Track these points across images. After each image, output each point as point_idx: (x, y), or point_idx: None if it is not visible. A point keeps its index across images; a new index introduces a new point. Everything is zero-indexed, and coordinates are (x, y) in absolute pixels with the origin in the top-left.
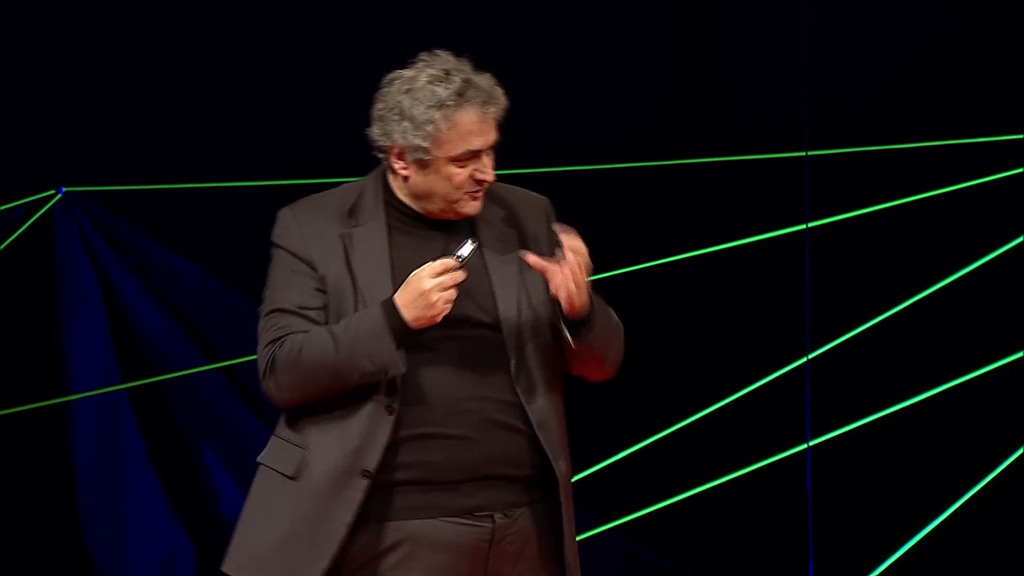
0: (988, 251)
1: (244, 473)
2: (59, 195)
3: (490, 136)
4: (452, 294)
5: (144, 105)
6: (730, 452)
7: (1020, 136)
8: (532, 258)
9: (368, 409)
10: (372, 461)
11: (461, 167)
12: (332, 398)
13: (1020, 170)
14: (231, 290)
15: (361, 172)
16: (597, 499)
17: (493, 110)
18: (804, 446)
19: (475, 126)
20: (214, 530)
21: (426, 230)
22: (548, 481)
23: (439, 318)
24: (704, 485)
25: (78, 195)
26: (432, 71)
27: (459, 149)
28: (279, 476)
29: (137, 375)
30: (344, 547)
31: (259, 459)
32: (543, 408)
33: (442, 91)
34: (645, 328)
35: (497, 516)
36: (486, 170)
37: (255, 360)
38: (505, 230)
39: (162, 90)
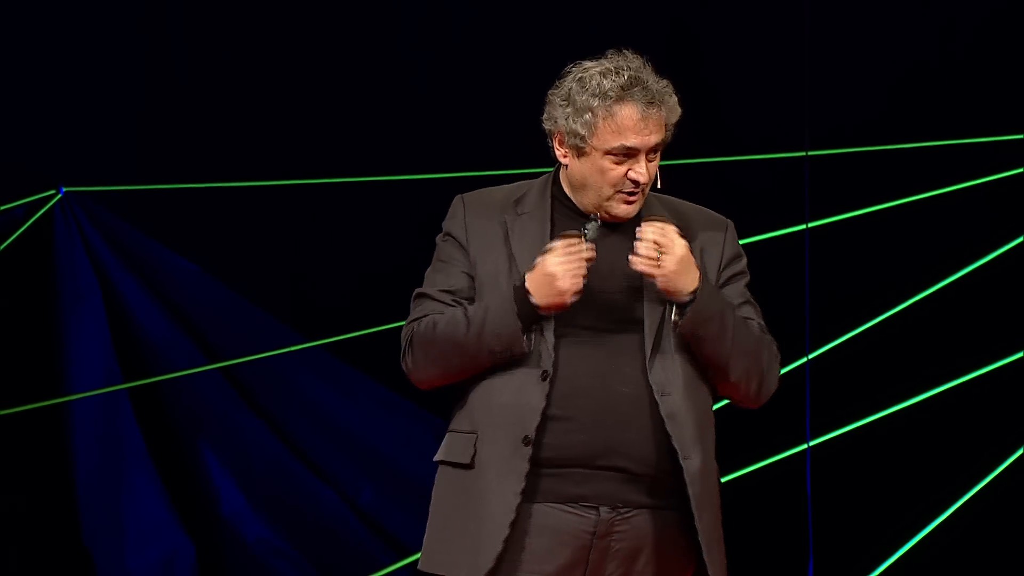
0: (988, 251)
1: (244, 473)
2: (59, 195)
3: (650, 138)
4: (580, 274)
5: (144, 105)
6: (730, 452)
7: (1020, 136)
8: (631, 258)
9: (523, 379)
10: (531, 426)
11: (616, 163)
12: (494, 381)
13: (1020, 170)
14: (231, 290)
15: (364, 172)
16: None
17: (656, 112)
18: (804, 446)
19: (632, 123)
20: (214, 530)
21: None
22: (679, 484)
23: (569, 299)
24: None
25: (78, 195)
26: (608, 65)
27: (613, 143)
28: (455, 469)
29: (137, 375)
30: (516, 519)
31: (436, 458)
32: (678, 401)
33: (608, 83)
34: None
35: (603, 509)
36: (642, 171)
37: (255, 360)
38: None
39: (162, 90)
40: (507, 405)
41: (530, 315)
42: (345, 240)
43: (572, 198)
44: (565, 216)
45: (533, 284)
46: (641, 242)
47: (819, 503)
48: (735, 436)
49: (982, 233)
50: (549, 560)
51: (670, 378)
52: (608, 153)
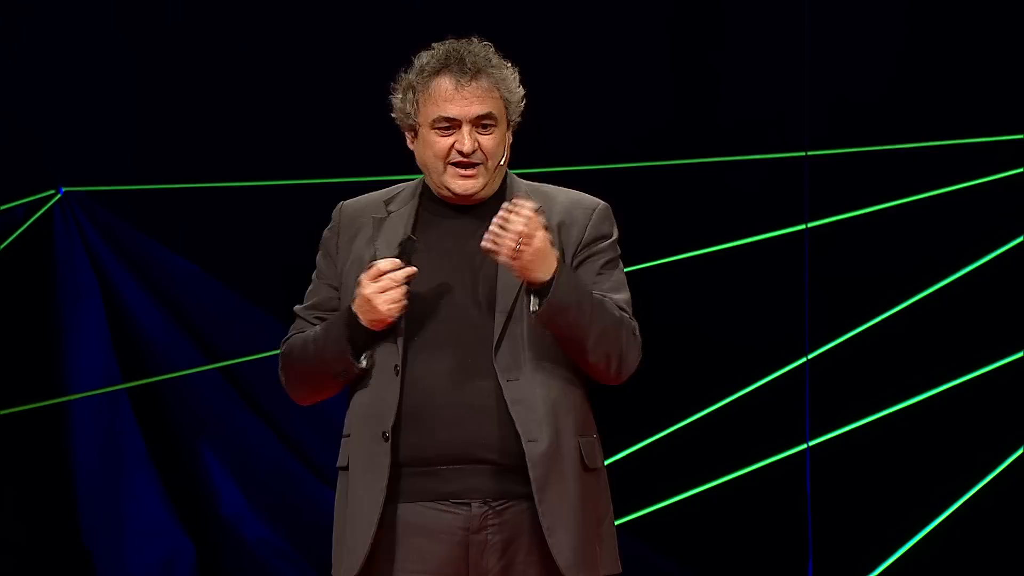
0: (988, 251)
1: (244, 473)
2: (59, 195)
3: (470, 108)
4: (398, 298)
5: (144, 105)
6: (730, 452)
7: (1020, 136)
8: (484, 242)
9: (380, 376)
10: (388, 422)
11: (441, 135)
12: (362, 382)
13: (1020, 170)
14: (231, 290)
15: (362, 172)
16: None
17: (474, 83)
18: (804, 446)
19: (448, 93)
20: (214, 530)
21: (452, 215)
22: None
23: (392, 318)
24: (704, 485)
25: (78, 195)
26: (435, 46)
27: (433, 114)
28: (341, 472)
29: (137, 375)
30: (381, 518)
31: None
32: (524, 386)
33: (425, 58)
34: (645, 328)
35: (475, 504)
36: (464, 141)
37: (255, 360)
38: None
39: (162, 90)
40: (367, 404)
41: (362, 336)
42: None
43: (435, 191)
44: (431, 210)
45: (358, 308)
46: (498, 226)
47: (819, 503)
48: (735, 436)
49: (982, 233)
50: (427, 559)
51: (516, 362)
52: (433, 127)
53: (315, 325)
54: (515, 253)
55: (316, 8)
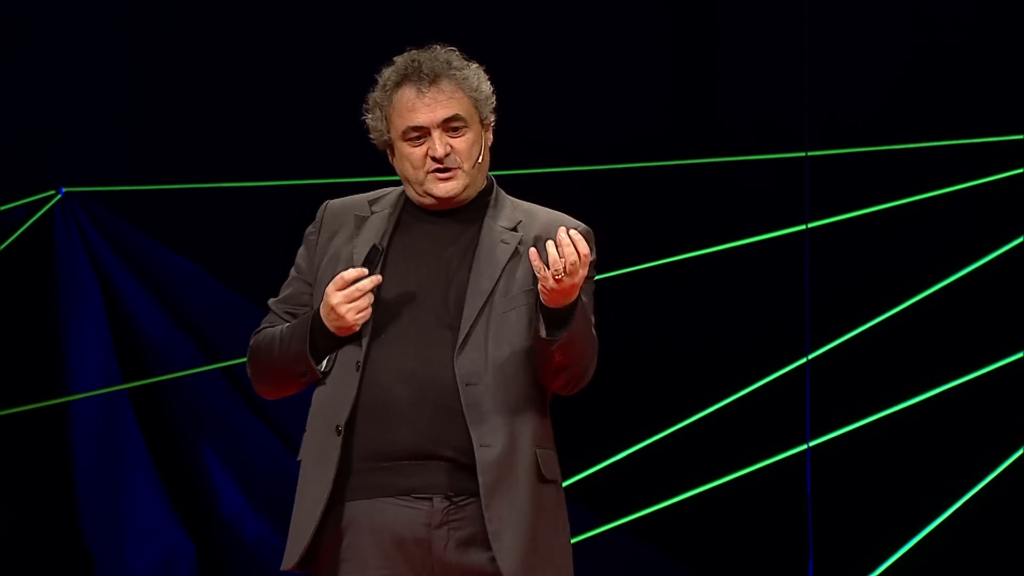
0: (988, 251)
1: (244, 473)
2: (59, 195)
3: (436, 113)
4: (363, 304)
5: (144, 106)
6: (730, 452)
7: (1020, 136)
8: (532, 251)
9: (341, 371)
10: (343, 416)
11: (414, 145)
12: (324, 378)
13: (1020, 170)
14: (231, 290)
15: (361, 172)
16: (597, 499)
17: (434, 88)
18: (804, 446)
19: (412, 103)
20: (214, 530)
21: (433, 219)
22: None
23: (357, 327)
24: (704, 485)
25: (78, 195)
26: (395, 60)
27: (401, 126)
28: (300, 465)
29: (137, 375)
30: (325, 511)
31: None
32: (482, 391)
33: (387, 73)
34: (645, 328)
35: (436, 499)
36: (436, 146)
37: None
38: (509, 232)
39: (162, 91)
40: (325, 397)
41: (326, 341)
42: None
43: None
44: (412, 214)
45: (324, 315)
46: (554, 248)
47: (819, 503)
48: (735, 436)
49: (982, 233)
50: (390, 555)
51: (477, 368)
52: (404, 139)
53: (284, 320)
54: (559, 281)
55: (316, 8)
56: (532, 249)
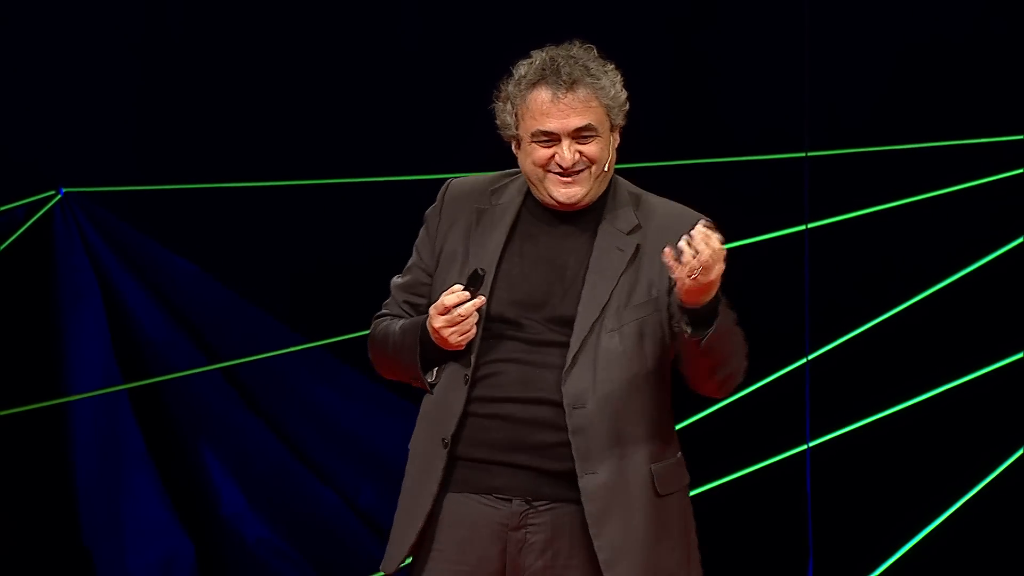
0: (988, 251)
1: (244, 473)
2: (59, 195)
3: (569, 120)
4: (466, 327)
5: (144, 105)
6: (730, 453)
7: (1020, 136)
8: (667, 250)
9: (451, 380)
10: (449, 429)
11: (543, 147)
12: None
13: (1020, 170)
14: (231, 290)
15: (364, 172)
16: None
17: (571, 95)
18: (804, 446)
19: (545, 106)
20: (214, 530)
21: (553, 222)
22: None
23: (463, 345)
24: (704, 485)
25: (78, 195)
26: (534, 54)
27: (532, 128)
28: (408, 464)
29: (137, 375)
30: (431, 517)
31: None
32: (590, 414)
33: (523, 70)
34: None
35: (516, 501)
36: (564, 155)
37: (255, 360)
38: (625, 237)
39: (162, 90)
40: (434, 405)
41: (434, 354)
42: (345, 240)
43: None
44: (533, 213)
45: (430, 332)
46: (687, 246)
47: (819, 503)
48: (735, 436)
49: (982, 233)
50: (466, 551)
51: (586, 389)
52: (533, 139)
53: (402, 309)
54: (694, 278)
55: (317, 8)
56: (666, 250)
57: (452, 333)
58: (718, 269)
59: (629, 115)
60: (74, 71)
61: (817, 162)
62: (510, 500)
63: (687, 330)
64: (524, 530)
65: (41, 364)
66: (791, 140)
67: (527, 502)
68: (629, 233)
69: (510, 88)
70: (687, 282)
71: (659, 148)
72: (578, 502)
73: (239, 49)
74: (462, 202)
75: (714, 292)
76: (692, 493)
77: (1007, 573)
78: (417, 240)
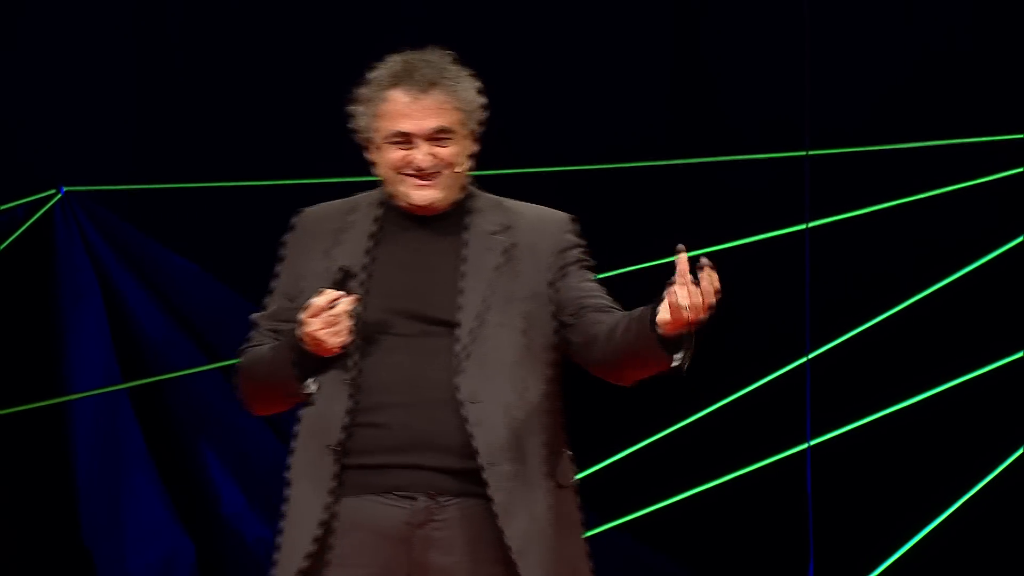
0: (988, 251)
1: (244, 473)
2: (59, 195)
3: (425, 123)
4: (340, 327)
5: (144, 105)
6: (730, 452)
7: (1020, 136)
8: (682, 257)
9: (332, 388)
10: (335, 436)
11: (398, 149)
12: (314, 396)
13: (1020, 170)
14: (231, 290)
15: (361, 172)
16: (597, 499)
17: (427, 97)
18: (804, 446)
19: (403, 107)
20: (214, 530)
21: (414, 227)
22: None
23: (338, 348)
24: (704, 485)
25: (78, 195)
26: (393, 58)
27: (387, 129)
28: (288, 481)
29: (137, 375)
30: (324, 527)
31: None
32: (488, 408)
33: (381, 72)
34: None
35: (420, 498)
36: (422, 156)
37: None
38: (493, 238)
39: (162, 90)
40: (316, 414)
41: (310, 363)
42: None
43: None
44: (394, 221)
45: (304, 341)
46: (697, 291)
47: (819, 503)
48: (735, 436)
49: (982, 233)
50: (370, 554)
51: (482, 385)
52: (388, 141)
53: (270, 338)
54: (687, 319)
55: (317, 8)
56: (671, 292)
57: (328, 335)
58: (709, 312)
59: (630, 114)
60: (74, 71)
61: (817, 161)
62: (413, 498)
63: (668, 357)
64: (430, 527)
65: (41, 364)
66: (791, 139)
67: (431, 498)
68: (496, 233)
69: (367, 90)
70: (683, 321)
71: (659, 148)
72: (482, 495)
73: (239, 49)
74: (318, 226)
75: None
76: (692, 492)
77: (1007, 573)
78: (278, 272)
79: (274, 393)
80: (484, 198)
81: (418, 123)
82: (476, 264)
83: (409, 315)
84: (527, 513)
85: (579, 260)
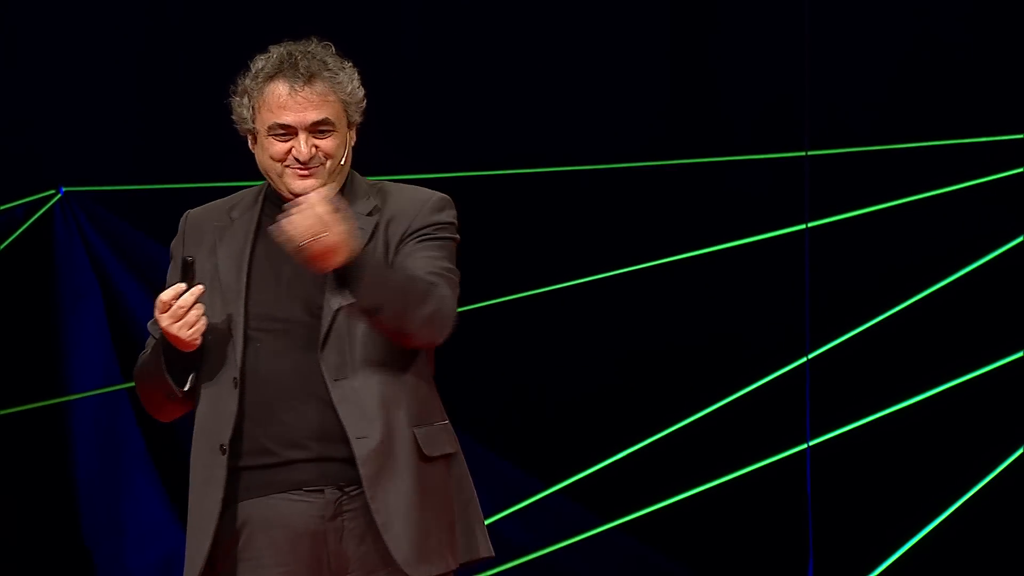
0: (988, 251)
1: None
2: (59, 195)
3: (306, 114)
4: (192, 318)
5: (144, 105)
6: (730, 452)
7: (1020, 136)
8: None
9: (219, 387)
10: (225, 435)
11: (279, 141)
12: (202, 391)
13: (1020, 170)
14: None
15: (363, 172)
16: (597, 499)
17: (308, 89)
18: (804, 446)
19: (283, 100)
20: None
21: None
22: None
23: (198, 342)
24: (704, 485)
25: (78, 195)
26: (272, 49)
27: (268, 121)
28: (190, 487)
29: None
30: (218, 527)
31: None
32: (353, 383)
33: (260, 63)
34: (645, 328)
35: (328, 490)
36: (301, 148)
37: None
38: (366, 219)
39: (162, 90)
40: (205, 414)
41: (180, 361)
42: None
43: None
44: (273, 215)
45: (169, 336)
46: (290, 225)
47: (819, 503)
48: (735, 436)
49: (982, 233)
50: (285, 551)
51: (344, 361)
52: (270, 132)
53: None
54: (305, 247)
55: (316, 8)
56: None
57: (180, 327)
58: (325, 241)
59: (629, 114)
60: (74, 71)
61: (817, 161)
62: (322, 491)
63: (339, 301)
64: (341, 518)
65: (41, 363)
66: (791, 139)
67: (339, 488)
68: (368, 215)
69: (247, 81)
70: (302, 255)
71: (659, 148)
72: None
73: (239, 49)
74: (202, 226)
75: (338, 259)
76: (692, 492)
77: (1007, 573)
78: (167, 275)
79: (159, 396)
80: (362, 183)
81: (299, 115)
82: None
83: (289, 306)
84: (392, 486)
85: (429, 236)
